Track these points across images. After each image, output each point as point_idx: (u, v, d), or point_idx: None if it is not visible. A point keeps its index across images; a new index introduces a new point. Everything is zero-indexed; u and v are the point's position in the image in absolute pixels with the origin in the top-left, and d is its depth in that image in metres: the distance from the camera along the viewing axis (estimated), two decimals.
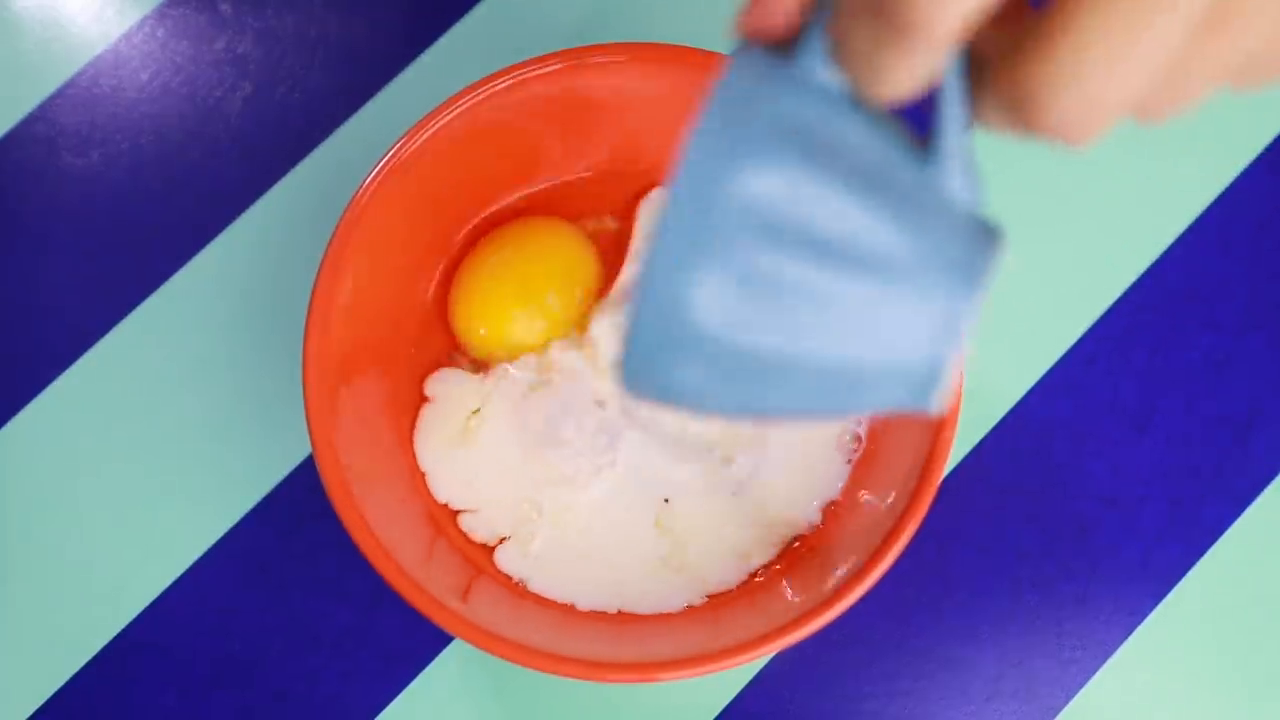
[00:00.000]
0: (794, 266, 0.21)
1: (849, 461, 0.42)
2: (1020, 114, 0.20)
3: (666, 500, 0.42)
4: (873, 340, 0.21)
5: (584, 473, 0.42)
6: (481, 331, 0.42)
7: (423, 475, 0.42)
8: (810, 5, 0.22)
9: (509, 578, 0.41)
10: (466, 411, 0.42)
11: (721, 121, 0.21)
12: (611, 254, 0.43)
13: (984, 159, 0.49)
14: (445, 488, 0.42)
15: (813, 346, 0.21)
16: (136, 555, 0.44)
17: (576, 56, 0.39)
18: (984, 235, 0.21)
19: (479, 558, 0.41)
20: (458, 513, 0.42)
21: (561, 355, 0.42)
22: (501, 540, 0.42)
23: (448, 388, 0.43)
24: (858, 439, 0.42)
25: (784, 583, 0.40)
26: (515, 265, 0.42)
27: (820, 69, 0.22)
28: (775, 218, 0.21)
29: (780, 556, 0.42)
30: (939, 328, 0.21)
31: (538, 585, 0.41)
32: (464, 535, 0.42)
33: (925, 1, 0.18)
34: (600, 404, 0.42)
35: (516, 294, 0.42)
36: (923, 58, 0.20)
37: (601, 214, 0.44)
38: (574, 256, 0.42)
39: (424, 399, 0.42)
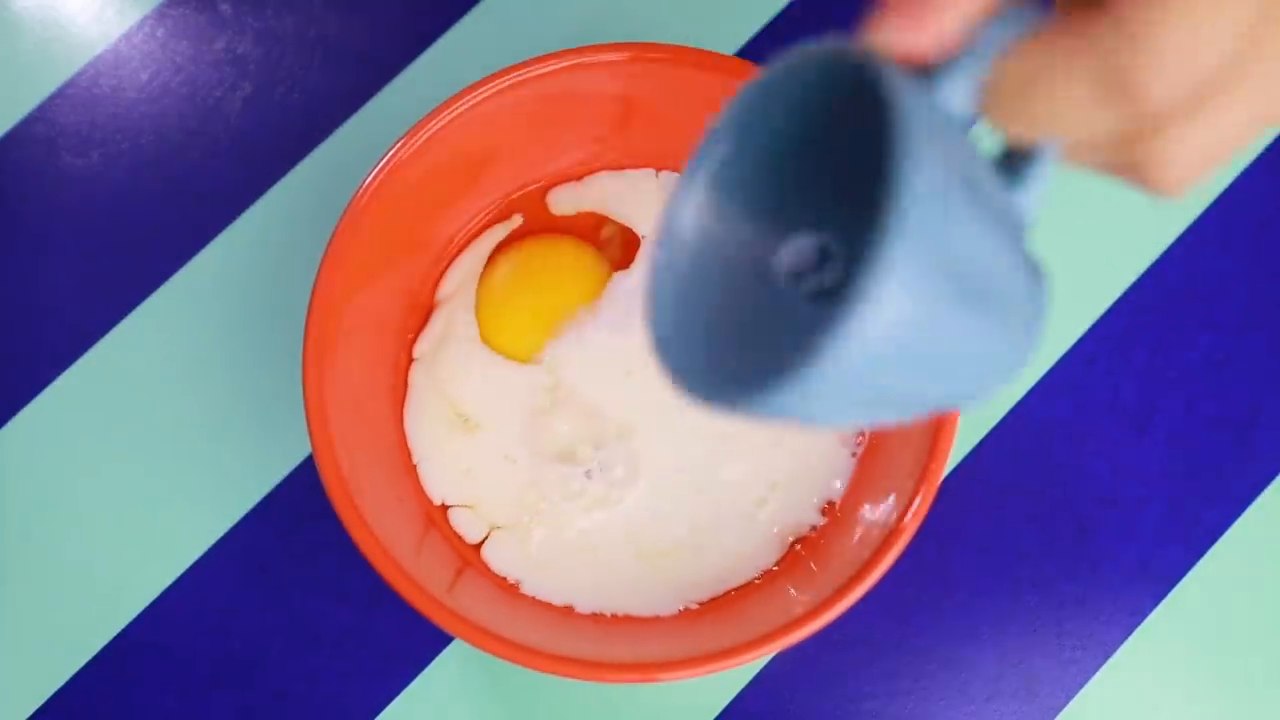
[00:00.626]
0: (950, 307, 0.21)
1: (853, 455, 0.42)
2: (1134, 175, 0.23)
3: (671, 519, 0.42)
4: (971, 371, 0.23)
5: (590, 497, 0.42)
6: (500, 332, 0.43)
7: (416, 469, 0.42)
8: (965, 37, 0.22)
9: (503, 578, 0.41)
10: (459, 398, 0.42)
11: (928, 168, 0.20)
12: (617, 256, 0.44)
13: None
14: (440, 482, 0.42)
15: (932, 378, 0.22)
16: (136, 555, 0.44)
17: (577, 56, 0.39)
18: (1041, 274, 0.23)
19: (468, 554, 0.41)
20: (449, 508, 0.42)
21: (576, 369, 0.42)
22: (491, 532, 0.42)
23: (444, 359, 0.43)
24: (861, 432, 0.42)
25: (784, 583, 0.40)
26: (535, 278, 0.43)
27: (957, 100, 0.22)
28: (954, 264, 0.21)
29: (781, 558, 0.42)
30: (1014, 360, 0.23)
31: (531, 587, 0.41)
32: (454, 533, 0.42)
33: (1157, 82, 0.21)
34: (623, 435, 0.42)
35: (536, 308, 0.43)
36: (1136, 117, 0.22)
37: (602, 214, 0.44)
38: (582, 265, 0.43)
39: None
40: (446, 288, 0.43)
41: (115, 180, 0.47)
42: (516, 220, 0.44)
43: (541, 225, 0.44)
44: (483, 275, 0.43)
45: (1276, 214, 0.46)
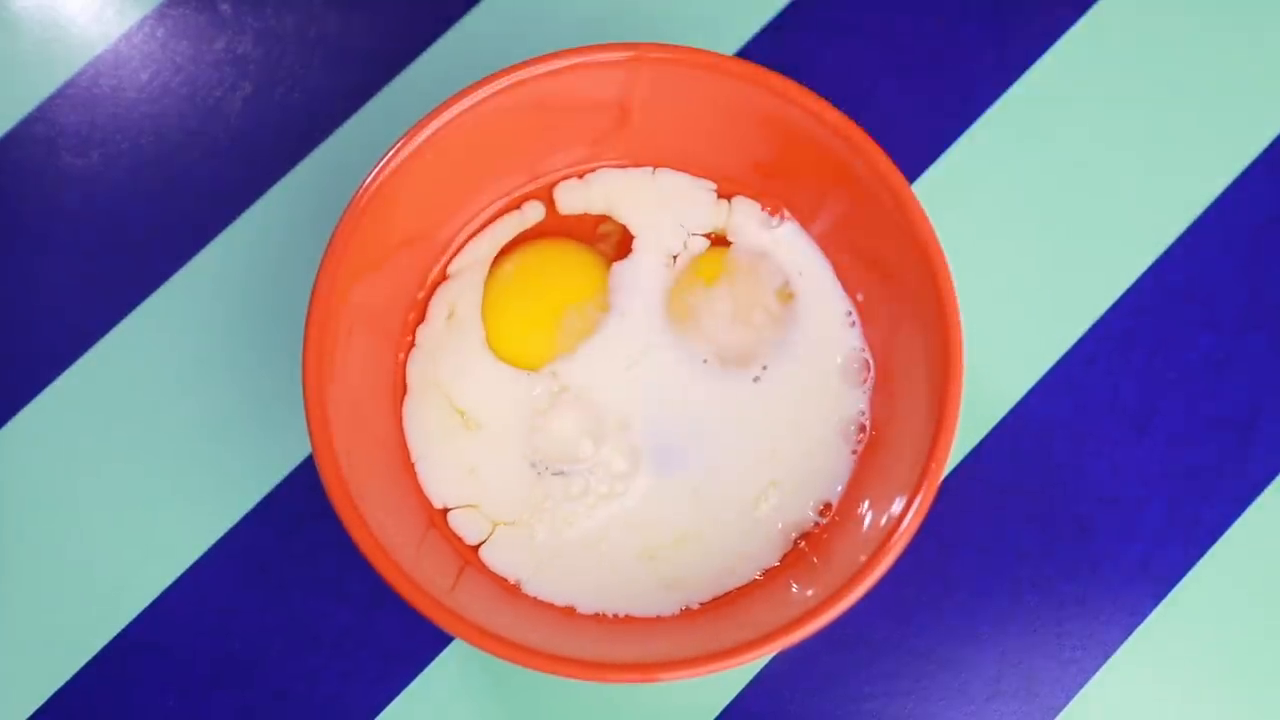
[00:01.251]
0: None
1: (854, 453, 0.42)
2: None
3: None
4: None
5: (594, 494, 0.42)
6: (508, 345, 0.43)
7: (416, 470, 0.42)
8: None
9: (504, 578, 0.41)
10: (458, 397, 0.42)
11: None
12: (612, 254, 0.44)
13: (983, 159, 0.49)
14: (441, 481, 0.42)
15: None
16: (136, 555, 0.44)
17: (577, 56, 0.39)
18: None
19: (468, 554, 0.41)
20: (449, 510, 0.42)
21: (581, 368, 0.42)
22: (494, 530, 0.42)
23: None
24: (862, 428, 0.42)
25: (785, 582, 0.40)
26: (536, 282, 0.43)
27: None
28: None
29: (784, 555, 0.42)
30: None
31: (532, 588, 0.41)
32: (455, 533, 0.42)
33: None
34: (623, 428, 0.42)
35: (537, 310, 0.43)
36: None
37: (603, 215, 0.44)
38: (588, 274, 0.43)
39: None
40: (458, 265, 0.43)
41: (115, 180, 0.47)
42: (533, 213, 0.44)
43: (548, 222, 0.44)
44: (488, 281, 0.43)
45: (1276, 214, 0.46)
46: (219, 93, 0.48)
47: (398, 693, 0.43)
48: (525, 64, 0.39)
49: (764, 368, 0.42)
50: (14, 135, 0.47)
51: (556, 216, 0.44)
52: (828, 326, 0.43)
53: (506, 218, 0.44)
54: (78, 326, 0.46)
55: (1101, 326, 0.45)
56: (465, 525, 0.42)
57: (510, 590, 0.41)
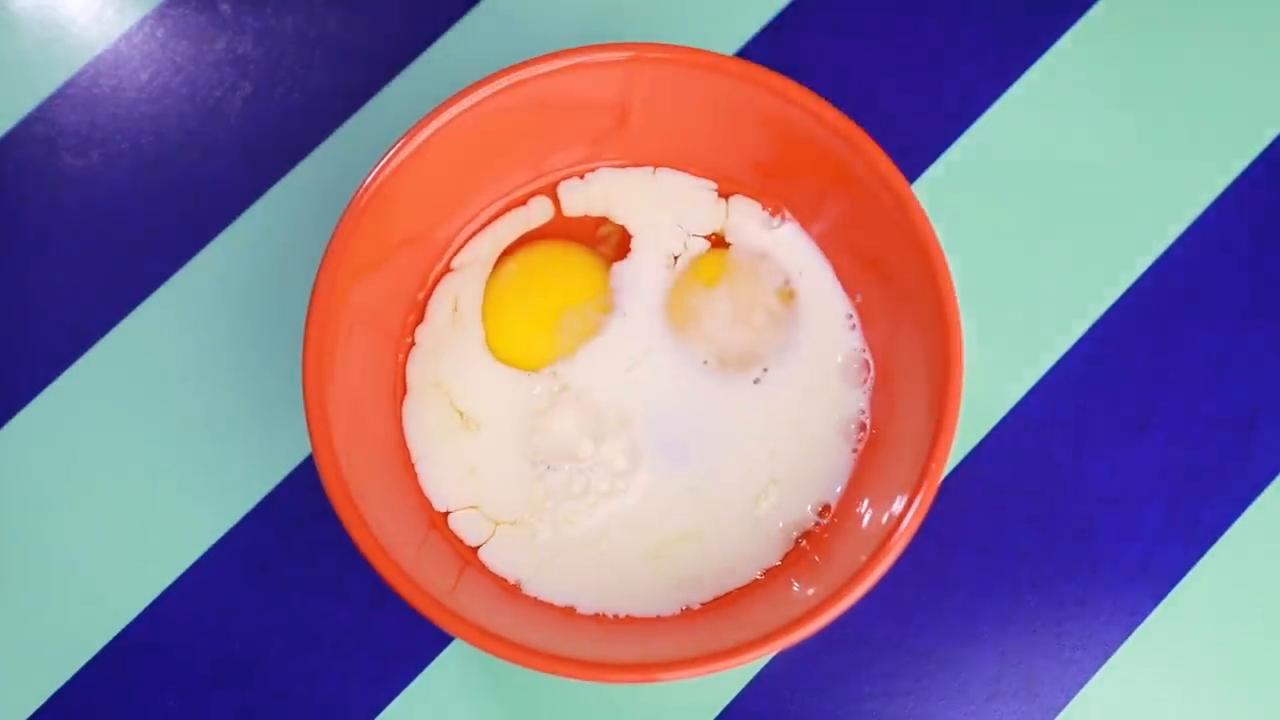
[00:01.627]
0: None
1: (854, 452, 0.42)
2: None
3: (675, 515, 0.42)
4: None
5: (595, 492, 0.42)
6: (508, 347, 0.43)
7: (416, 470, 0.42)
8: None
9: (504, 579, 0.41)
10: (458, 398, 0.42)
11: None
12: (612, 255, 0.44)
13: (983, 159, 0.49)
14: (441, 481, 0.42)
15: None
16: (136, 555, 0.44)
17: (577, 56, 0.39)
18: None
19: (469, 554, 0.41)
20: (450, 512, 0.42)
21: (581, 368, 0.42)
22: (495, 530, 0.42)
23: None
24: (862, 427, 0.42)
25: (786, 581, 0.40)
26: (536, 285, 0.43)
27: None
28: None
29: (785, 555, 0.42)
30: None
31: (533, 588, 0.41)
32: (454, 534, 0.42)
33: None
34: (623, 427, 0.42)
35: (538, 313, 0.43)
36: None
37: (602, 215, 0.44)
38: (589, 277, 0.43)
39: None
40: (461, 261, 0.43)
41: (115, 180, 0.47)
42: (540, 211, 0.44)
43: (550, 224, 0.44)
44: (489, 282, 0.43)
45: (1276, 214, 0.46)
46: (219, 93, 0.48)
47: (398, 693, 0.43)
48: (525, 64, 0.39)
49: (764, 370, 0.42)
50: (14, 135, 0.47)
51: (560, 217, 0.44)
52: (828, 327, 0.43)
53: (510, 215, 0.44)
54: (78, 326, 0.46)
55: (1101, 326, 0.45)
56: (466, 527, 0.42)
57: (510, 590, 0.41)
